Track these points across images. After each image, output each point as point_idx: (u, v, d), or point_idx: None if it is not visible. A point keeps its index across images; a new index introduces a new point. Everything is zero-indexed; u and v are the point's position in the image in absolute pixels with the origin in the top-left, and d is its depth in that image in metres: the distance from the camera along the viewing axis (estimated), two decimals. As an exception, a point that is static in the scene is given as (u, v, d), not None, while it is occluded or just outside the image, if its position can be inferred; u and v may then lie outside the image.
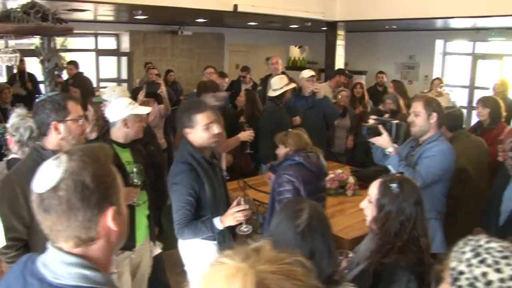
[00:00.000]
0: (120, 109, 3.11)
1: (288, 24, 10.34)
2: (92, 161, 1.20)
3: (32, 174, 2.38)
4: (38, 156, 2.46)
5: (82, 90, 5.07)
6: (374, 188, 2.29)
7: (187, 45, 10.97)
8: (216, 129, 3.02)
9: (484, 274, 1.21)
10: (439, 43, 11.06)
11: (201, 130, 3.00)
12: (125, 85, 10.03)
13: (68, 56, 12.63)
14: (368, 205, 2.30)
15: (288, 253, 0.91)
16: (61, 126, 2.46)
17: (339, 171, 4.72)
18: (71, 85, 5.72)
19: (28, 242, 2.46)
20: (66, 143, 2.48)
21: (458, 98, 10.29)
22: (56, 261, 1.19)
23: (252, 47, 12.64)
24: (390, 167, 3.32)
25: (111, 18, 9.22)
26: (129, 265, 3.32)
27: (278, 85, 5.53)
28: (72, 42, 11.85)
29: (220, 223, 2.89)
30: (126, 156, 3.21)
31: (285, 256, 0.91)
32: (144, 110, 3.32)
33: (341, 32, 9.04)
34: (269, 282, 0.83)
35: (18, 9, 3.44)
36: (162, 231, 3.83)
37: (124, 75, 10.34)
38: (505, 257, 1.21)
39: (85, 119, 2.61)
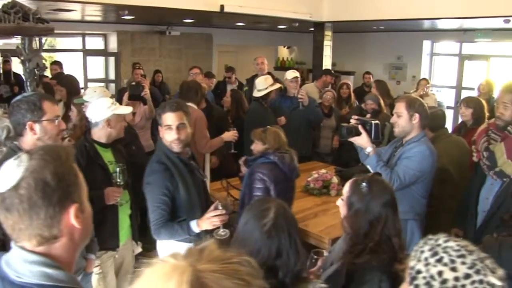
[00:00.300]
0: (103, 109, 3.12)
1: (276, 25, 10.36)
2: (53, 159, 1.21)
3: None
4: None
5: (68, 89, 5.04)
6: (346, 187, 2.33)
7: (175, 46, 10.96)
8: (174, 134, 2.94)
9: (440, 273, 1.21)
10: (426, 44, 11.14)
11: (164, 131, 2.99)
12: (112, 85, 10.03)
13: (56, 56, 12.64)
14: (341, 203, 2.34)
15: (234, 253, 0.92)
16: (37, 126, 2.46)
17: (323, 171, 4.75)
18: (57, 84, 5.69)
19: (4, 242, 2.45)
20: (42, 143, 2.48)
21: (445, 98, 10.37)
22: (18, 260, 1.20)
23: (241, 47, 12.65)
24: (368, 167, 3.36)
25: (98, 18, 9.18)
26: (113, 264, 3.34)
27: (263, 85, 5.56)
28: (60, 42, 11.83)
29: (196, 226, 2.87)
30: (108, 156, 3.22)
31: (230, 255, 0.91)
32: (126, 110, 3.33)
33: (328, 33, 9.06)
34: (208, 281, 0.83)
35: (2, 8, 3.43)
36: (147, 231, 3.83)
37: (112, 76, 10.30)
38: (461, 256, 1.22)
39: (62, 119, 2.59)
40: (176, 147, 2.98)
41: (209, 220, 2.83)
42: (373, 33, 11.33)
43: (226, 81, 8.08)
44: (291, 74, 5.91)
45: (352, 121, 3.38)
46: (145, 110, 5.32)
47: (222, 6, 7.09)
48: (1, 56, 7.89)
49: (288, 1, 7.90)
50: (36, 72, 3.56)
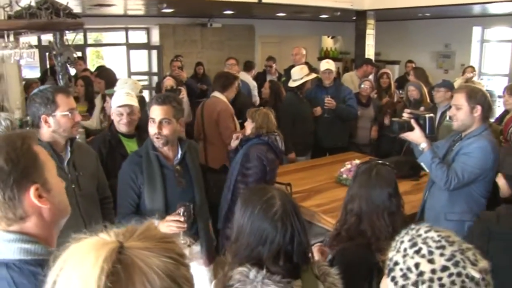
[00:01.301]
0: (113, 102, 3.23)
1: (318, 14, 10.28)
2: (6, 145, 1.30)
3: None
4: None
5: (106, 81, 5.22)
6: None
7: (217, 38, 11.04)
8: (155, 128, 2.78)
9: (417, 265, 1.17)
10: (476, 30, 10.75)
11: (149, 123, 2.86)
12: (155, 78, 10.23)
13: (102, 51, 13.04)
14: None
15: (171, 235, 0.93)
16: (51, 120, 2.55)
17: (356, 161, 4.68)
18: (96, 77, 5.89)
19: None
20: (58, 136, 2.59)
21: (497, 87, 9.98)
22: None
23: (284, 38, 12.60)
24: (422, 164, 3.20)
25: (141, 12, 9.39)
26: None
27: (298, 75, 5.54)
28: (106, 36, 12.18)
29: None
30: (132, 145, 3.31)
31: (166, 235, 0.92)
32: (121, 101, 3.34)
33: (371, 21, 8.91)
34: (134, 258, 0.83)
35: (33, 5, 3.57)
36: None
37: (155, 68, 10.51)
38: (440, 247, 1.17)
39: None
40: (156, 142, 2.83)
41: (167, 224, 2.71)
42: (419, 20, 11.01)
43: (266, 71, 8.04)
44: (324, 65, 5.84)
45: (405, 115, 3.20)
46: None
47: (260, -3, 7.11)
48: (48, 52, 8.19)
49: (328, -11, 7.83)
50: (68, 65, 3.68)
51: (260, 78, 7.96)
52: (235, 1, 7.23)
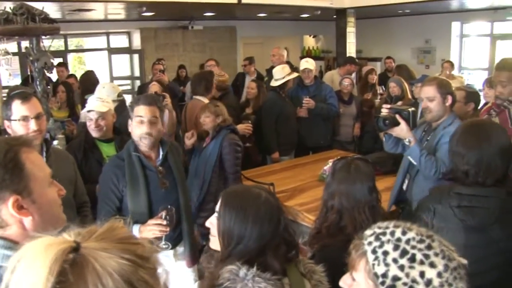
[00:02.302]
0: (86, 106, 3.23)
1: (299, 14, 10.29)
2: None
3: None
4: None
5: (83, 86, 5.21)
6: None
7: (198, 40, 11.02)
8: (145, 127, 2.75)
9: (422, 274, 1.11)
10: (455, 26, 10.84)
11: (135, 124, 2.80)
12: (138, 82, 10.19)
13: (84, 56, 12.96)
14: None
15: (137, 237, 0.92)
16: (9, 125, 2.57)
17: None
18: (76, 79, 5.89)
19: None
20: None
21: (477, 81, 10.08)
22: None
23: (266, 38, 12.61)
24: (410, 158, 3.21)
25: (121, 17, 9.34)
26: None
27: (280, 75, 5.55)
28: (87, 42, 12.11)
29: (137, 232, 2.72)
30: (109, 150, 3.29)
31: (127, 236, 0.90)
32: (91, 106, 3.33)
33: (351, 19, 8.96)
34: (89, 258, 0.81)
35: (8, 11, 3.55)
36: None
37: (137, 73, 10.47)
38: (429, 247, 1.13)
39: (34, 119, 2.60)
40: (145, 143, 2.79)
41: (150, 228, 2.68)
42: (399, 17, 11.09)
43: (245, 72, 8.02)
44: (303, 64, 5.87)
45: (384, 111, 3.22)
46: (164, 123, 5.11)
47: (239, -2, 7.11)
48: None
49: (307, -12, 7.85)
50: (45, 71, 3.66)
51: (239, 79, 7.96)
52: (215, 3, 7.21)
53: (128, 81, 10.79)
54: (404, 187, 3.45)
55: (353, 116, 6.20)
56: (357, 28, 9.25)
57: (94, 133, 3.29)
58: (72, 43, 11.49)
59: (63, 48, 10.09)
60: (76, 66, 13.04)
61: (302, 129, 5.73)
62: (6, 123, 2.54)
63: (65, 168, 2.80)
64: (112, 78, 10.42)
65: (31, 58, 3.62)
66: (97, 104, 3.26)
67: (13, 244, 1.27)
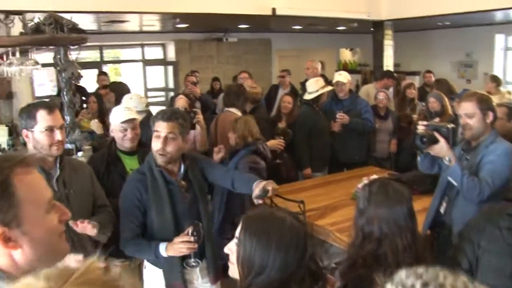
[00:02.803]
0: (114, 118, 3.13)
1: (335, 26, 10.15)
2: None
3: None
4: None
5: (116, 95, 5.17)
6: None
7: (233, 52, 10.98)
8: (159, 143, 2.67)
9: None
10: (499, 38, 10.43)
11: (153, 138, 2.75)
12: (172, 94, 10.18)
13: (120, 68, 13.10)
14: None
15: (118, 277, 0.77)
16: (30, 135, 2.50)
17: (374, 177, 4.48)
18: (110, 90, 5.87)
19: None
20: (39, 152, 2.50)
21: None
22: None
23: (301, 51, 12.48)
24: (450, 178, 2.98)
25: (156, 28, 9.38)
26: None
27: (313, 88, 5.40)
28: (123, 53, 12.24)
29: (164, 250, 2.65)
30: (132, 163, 3.20)
31: (110, 278, 0.77)
32: (124, 116, 3.23)
33: (388, 32, 8.72)
34: None
35: (37, 22, 3.53)
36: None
37: (171, 84, 10.50)
38: None
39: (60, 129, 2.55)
40: (160, 159, 2.73)
41: (177, 246, 2.61)
42: (439, 30, 10.77)
43: (279, 85, 7.86)
44: (336, 77, 5.68)
45: (421, 128, 3.01)
46: (195, 138, 4.83)
47: (274, 9, 7.02)
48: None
49: (343, 0, 7.67)
50: (72, 81, 3.61)
51: (272, 92, 7.80)
52: (249, 15, 7.13)
53: (162, 93, 10.82)
54: (442, 209, 3.21)
55: (389, 131, 5.97)
56: (395, 41, 9.01)
57: (129, 144, 3.21)
58: (109, 54, 11.63)
59: (98, 59, 10.20)
60: (113, 78, 13.18)
61: (336, 145, 5.53)
62: (26, 132, 2.48)
63: (81, 179, 2.73)
64: (146, 90, 10.48)
65: (58, 68, 3.58)
66: (130, 113, 3.19)
67: (3, 274, 1.13)
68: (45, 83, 8.57)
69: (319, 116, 5.46)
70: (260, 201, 2.64)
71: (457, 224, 3.03)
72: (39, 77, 7.69)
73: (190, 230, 2.59)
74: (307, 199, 4.05)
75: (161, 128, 2.69)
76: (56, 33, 3.53)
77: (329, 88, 5.54)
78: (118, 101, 5.09)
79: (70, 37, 3.47)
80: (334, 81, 5.69)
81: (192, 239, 2.58)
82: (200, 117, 4.46)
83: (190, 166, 2.87)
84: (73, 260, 2.38)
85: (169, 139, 2.68)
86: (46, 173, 2.51)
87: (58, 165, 2.58)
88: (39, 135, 2.49)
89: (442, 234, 3.18)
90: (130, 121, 3.19)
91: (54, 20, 3.39)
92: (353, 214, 3.88)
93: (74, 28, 3.53)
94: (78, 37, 3.53)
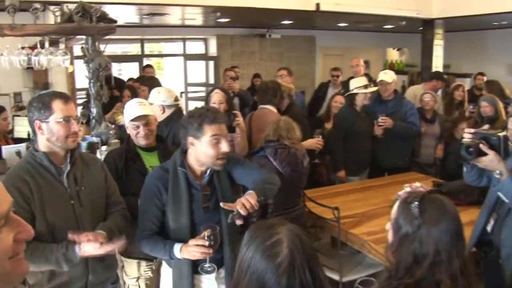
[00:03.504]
0: (126, 115, 2.98)
1: (382, 25, 9.78)
2: None
3: (27, 174, 2.28)
4: (31, 158, 2.36)
5: (149, 89, 5.05)
6: (395, 206, 1.85)
7: (276, 49, 10.75)
8: (225, 146, 2.52)
9: None
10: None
11: (211, 144, 2.51)
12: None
13: (162, 61, 13.13)
14: (389, 226, 1.86)
15: None
16: (44, 126, 2.32)
17: (417, 184, 4.18)
18: (140, 85, 5.75)
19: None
20: (53, 145, 2.34)
21: None
22: None
23: (347, 50, 12.14)
24: (500, 194, 2.63)
25: (198, 23, 9.29)
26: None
27: (352, 86, 5.12)
28: (165, 47, 12.24)
29: (179, 251, 2.49)
30: (152, 160, 3.04)
31: None
32: (135, 113, 3.03)
33: (439, 31, 8.32)
34: None
35: (71, 11, 3.42)
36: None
37: (212, 80, 10.37)
38: None
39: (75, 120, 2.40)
40: (219, 165, 2.56)
41: (191, 249, 2.44)
42: (494, 30, 10.21)
43: (329, 83, 7.56)
44: (380, 76, 5.35)
45: (467, 136, 2.64)
46: (234, 141, 4.42)
47: (317, 5, 6.77)
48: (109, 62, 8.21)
49: (391, -3, 7.35)
50: (100, 72, 3.48)
51: (322, 89, 7.51)
52: (292, 10, 6.90)
53: (203, 88, 10.72)
54: (489, 228, 2.84)
55: (436, 136, 5.61)
56: (445, 40, 8.58)
57: (143, 141, 3.03)
58: (152, 48, 11.63)
59: (139, 53, 10.21)
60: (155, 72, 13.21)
61: (378, 148, 5.21)
62: (39, 123, 2.31)
63: (92, 174, 2.57)
64: (187, 85, 10.41)
65: (86, 59, 3.45)
66: (142, 109, 3.00)
67: None
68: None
69: (358, 117, 5.16)
70: (239, 222, 2.38)
71: (506, 245, 2.69)
72: (81, 69, 7.70)
73: (206, 233, 2.40)
74: (342, 204, 3.81)
75: (219, 131, 2.51)
76: (90, 22, 3.41)
77: (370, 89, 5.18)
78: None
79: (97, 26, 3.33)
80: (378, 80, 5.37)
81: (207, 243, 2.39)
82: (240, 119, 4.20)
83: (217, 170, 2.67)
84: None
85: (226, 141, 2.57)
86: (56, 167, 2.37)
87: (68, 159, 2.42)
88: (55, 125, 2.32)
89: (489, 256, 2.84)
90: (142, 117, 2.99)
91: (83, 8, 3.26)
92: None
93: (104, 17, 3.39)
94: (106, 26, 3.39)
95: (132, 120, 2.98)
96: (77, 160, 2.46)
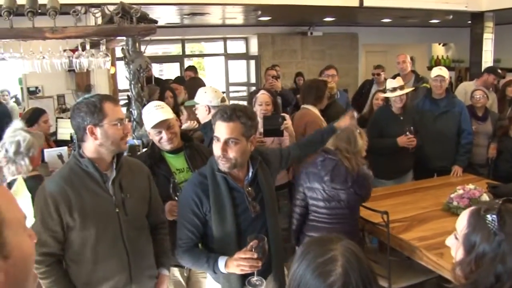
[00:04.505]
0: (146, 122, 2.88)
1: (428, 19, 9.46)
2: None
3: (67, 184, 2.20)
4: (75, 164, 2.26)
5: (189, 91, 4.98)
6: (463, 219, 1.60)
7: (317, 47, 10.58)
8: (219, 149, 2.34)
9: None
10: None
11: (213, 142, 2.40)
12: (254, 89, 9.98)
13: (203, 61, 13.14)
14: (453, 242, 1.63)
15: None
16: (98, 131, 2.21)
17: (470, 186, 3.94)
18: (180, 85, 5.72)
19: (62, 257, 2.27)
20: (105, 150, 2.24)
21: None
22: None
23: (390, 46, 11.83)
24: None
25: (239, 22, 9.22)
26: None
27: (388, 85, 4.86)
28: (206, 47, 12.25)
29: (224, 266, 2.34)
30: (178, 163, 2.93)
31: None
32: (153, 120, 2.90)
33: (489, 24, 7.93)
34: None
35: (111, 12, 3.38)
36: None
37: (253, 79, 10.29)
38: None
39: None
40: (222, 165, 2.37)
41: (237, 263, 2.29)
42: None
43: (373, 80, 7.35)
44: (435, 71, 5.03)
45: None
46: (282, 145, 4.26)
47: (361, 1, 6.58)
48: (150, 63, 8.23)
49: (439, -10, 7.07)
50: (140, 74, 3.41)
51: (366, 87, 7.30)
52: (335, 6, 6.72)
53: (244, 88, 10.65)
54: None
55: (488, 135, 5.31)
56: (495, 34, 8.19)
57: (168, 146, 2.91)
58: (193, 48, 11.64)
59: (180, 53, 10.22)
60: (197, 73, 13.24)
61: (425, 148, 4.86)
62: (92, 128, 2.20)
63: (138, 183, 2.47)
64: (228, 84, 10.36)
65: (126, 60, 3.39)
66: (159, 114, 2.87)
67: None
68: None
69: (395, 118, 4.82)
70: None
71: None
72: (123, 70, 7.75)
73: (253, 244, 2.26)
74: (390, 208, 3.62)
75: (221, 130, 2.34)
76: (131, 23, 3.35)
77: (404, 91, 4.79)
78: (191, 96, 4.89)
79: (137, 27, 3.26)
80: (433, 75, 5.05)
81: (255, 255, 2.25)
82: (289, 122, 4.04)
83: (261, 169, 2.53)
84: None
85: (230, 143, 2.34)
86: (101, 174, 2.29)
87: (114, 165, 2.33)
88: (111, 128, 2.23)
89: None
90: (162, 123, 2.86)
91: (123, 9, 3.20)
92: (444, 229, 3.43)
93: (144, 18, 3.32)
94: (146, 27, 3.32)
95: (153, 127, 2.88)
96: (123, 166, 2.38)
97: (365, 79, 8.22)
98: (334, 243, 1.32)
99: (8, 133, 2.87)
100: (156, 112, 2.87)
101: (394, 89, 4.73)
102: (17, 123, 2.94)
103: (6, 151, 2.80)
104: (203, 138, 3.69)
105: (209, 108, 3.50)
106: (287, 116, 4.17)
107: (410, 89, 5.01)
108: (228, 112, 2.33)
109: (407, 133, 4.58)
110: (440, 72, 4.96)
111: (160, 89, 5.41)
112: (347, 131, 3.34)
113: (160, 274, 2.58)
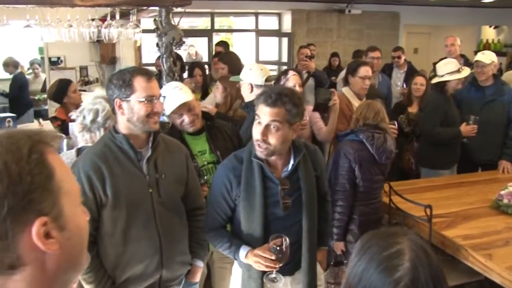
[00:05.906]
0: (166, 106, 2.87)
1: (479, -1, 9.22)
2: (6, 151, 0.86)
3: (101, 160, 2.22)
4: (110, 140, 2.28)
5: (230, 67, 4.95)
6: None
7: (355, 26, 10.41)
8: (258, 133, 2.32)
9: None
10: None
11: (254, 124, 2.37)
12: (285, 68, 9.91)
13: (231, 37, 13.10)
14: None
15: None
16: (124, 105, 2.23)
17: (522, 182, 3.87)
18: (218, 62, 5.69)
19: (96, 237, 2.30)
20: (133, 126, 2.25)
21: None
22: None
23: (434, 27, 11.60)
24: None
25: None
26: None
27: (441, 71, 4.78)
28: (236, 22, 12.19)
29: (244, 256, 2.39)
30: (199, 145, 2.96)
31: None
32: (174, 104, 2.92)
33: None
34: None
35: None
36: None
37: (285, 58, 10.20)
38: None
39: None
40: (259, 152, 2.35)
41: (256, 259, 2.33)
42: None
43: (392, 65, 7.20)
44: (477, 56, 4.93)
45: None
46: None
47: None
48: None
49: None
50: (173, 47, 3.41)
51: (386, 72, 7.12)
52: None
53: (275, 67, 10.58)
54: None
55: (542, 127, 5.19)
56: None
57: (191, 128, 2.96)
58: (222, 22, 11.59)
59: (208, 27, 10.18)
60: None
61: (470, 140, 4.78)
62: (119, 102, 2.24)
63: (175, 163, 2.48)
64: (258, 62, 10.28)
65: (159, 32, 3.39)
66: (179, 96, 2.87)
67: None
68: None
69: (450, 104, 4.83)
70: None
71: None
72: (148, 43, 7.79)
73: (273, 245, 2.28)
74: (433, 201, 3.59)
75: (263, 114, 2.30)
76: (159, -6, 3.34)
77: (462, 75, 4.78)
78: (231, 72, 4.88)
79: (171, -3, 3.26)
80: (474, 60, 4.98)
81: (273, 256, 2.27)
82: (337, 99, 3.99)
83: (303, 161, 2.48)
84: None
85: (272, 128, 2.30)
86: (136, 152, 2.31)
87: (150, 143, 2.34)
88: (137, 105, 2.24)
89: None
90: (182, 106, 2.89)
91: (156, -21, 3.20)
92: (492, 228, 3.37)
93: (176, -11, 3.31)
94: (181, -3, 3.31)
95: (173, 112, 2.89)
96: (160, 144, 2.39)
97: (386, 62, 8.04)
98: (400, 236, 1.29)
99: (89, 99, 2.89)
100: (175, 93, 2.89)
101: (453, 73, 4.68)
102: (98, 91, 2.97)
103: (84, 117, 2.83)
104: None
105: (251, 87, 3.48)
106: (336, 92, 4.15)
107: (465, 74, 4.87)
108: (273, 97, 2.29)
109: (470, 121, 4.55)
110: (481, 57, 4.85)
111: (189, 66, 5.41)
112: (372, 105, 3.52)
113: (193, 265, 2.62)
